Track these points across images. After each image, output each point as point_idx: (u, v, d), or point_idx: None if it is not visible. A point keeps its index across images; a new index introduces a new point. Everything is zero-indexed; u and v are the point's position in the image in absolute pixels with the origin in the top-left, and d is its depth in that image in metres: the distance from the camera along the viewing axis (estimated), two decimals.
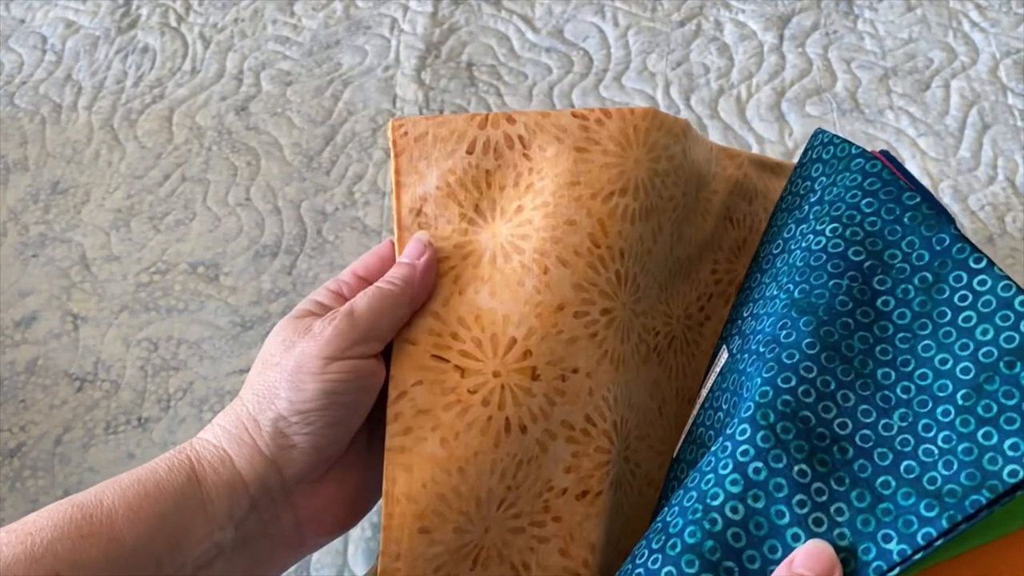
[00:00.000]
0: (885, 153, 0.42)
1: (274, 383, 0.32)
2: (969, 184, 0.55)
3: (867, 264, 0.34)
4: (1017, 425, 0.29)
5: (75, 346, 0.51)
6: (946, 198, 0.55)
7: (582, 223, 0.34)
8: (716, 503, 0.29)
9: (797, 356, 0.32)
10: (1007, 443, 0.29)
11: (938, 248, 0.34)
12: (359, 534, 0.44)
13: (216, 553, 0.31)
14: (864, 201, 0.35)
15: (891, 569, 0.28)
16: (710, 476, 0.30)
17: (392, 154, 0.37)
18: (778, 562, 0.29)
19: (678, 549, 0.29)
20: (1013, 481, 0.28)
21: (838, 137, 0.38)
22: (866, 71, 0.62)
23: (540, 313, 0.33)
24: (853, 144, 0.37)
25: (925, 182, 0.56)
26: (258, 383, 0.33)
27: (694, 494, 0.30)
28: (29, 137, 0.61)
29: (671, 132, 0.37)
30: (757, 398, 0.31)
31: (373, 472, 0.34)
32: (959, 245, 0.34)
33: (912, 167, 0.56)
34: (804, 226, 0.37)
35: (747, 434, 0.30)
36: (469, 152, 0.36)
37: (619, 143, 0.36)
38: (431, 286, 0.35)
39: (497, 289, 0.34)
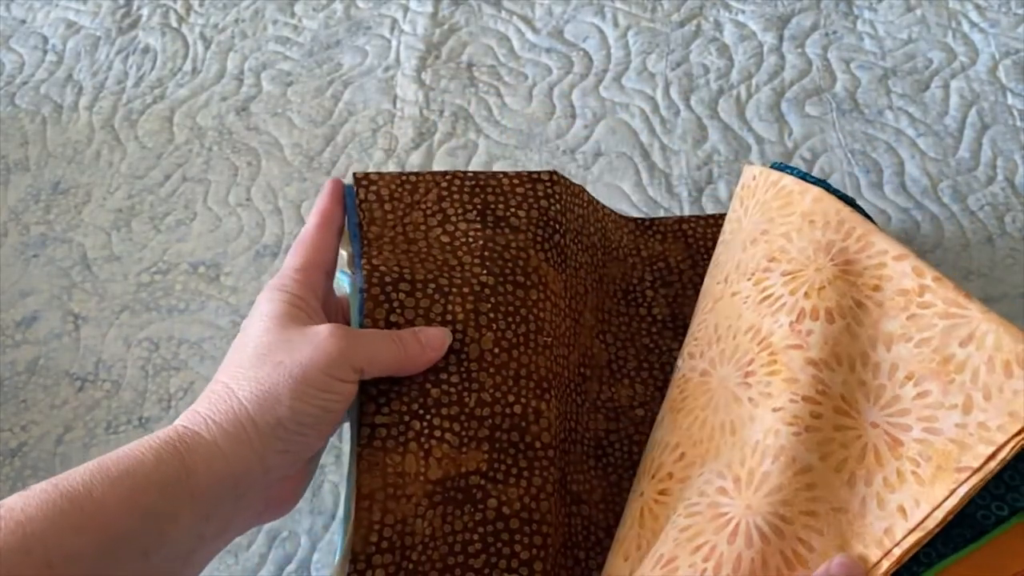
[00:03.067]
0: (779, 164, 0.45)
1: (277, 387, 0.33)
2: (968, 184, 0.56)
3: None
4: None
5: (76, 346, 0.51)
6: (946, 198, 0.55)
7: None
8: None
9: None
10: None
11: None
12: None
13: (198, 543, 0.31)
14: None
15: None
16: None
17: None
18: None
19: None
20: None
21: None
22: (866, 71, 0.62)
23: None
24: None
25: (924, 182, 0.56)
26: (256, 379, 0.33)
27: None
28: (30, 137, 0.62)
29: None
30: None
31: (317, 461, 0.38)
32: None
33: (912, 167, 0.57)
34: None
35: None
36: None
37: None
38: (421, 368, 0.37)
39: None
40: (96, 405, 0.49)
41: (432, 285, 0.39)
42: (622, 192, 0.56)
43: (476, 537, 0.36)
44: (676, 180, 0.57)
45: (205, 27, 0.68)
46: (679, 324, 0.46)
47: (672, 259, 0.48)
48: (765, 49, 0.64)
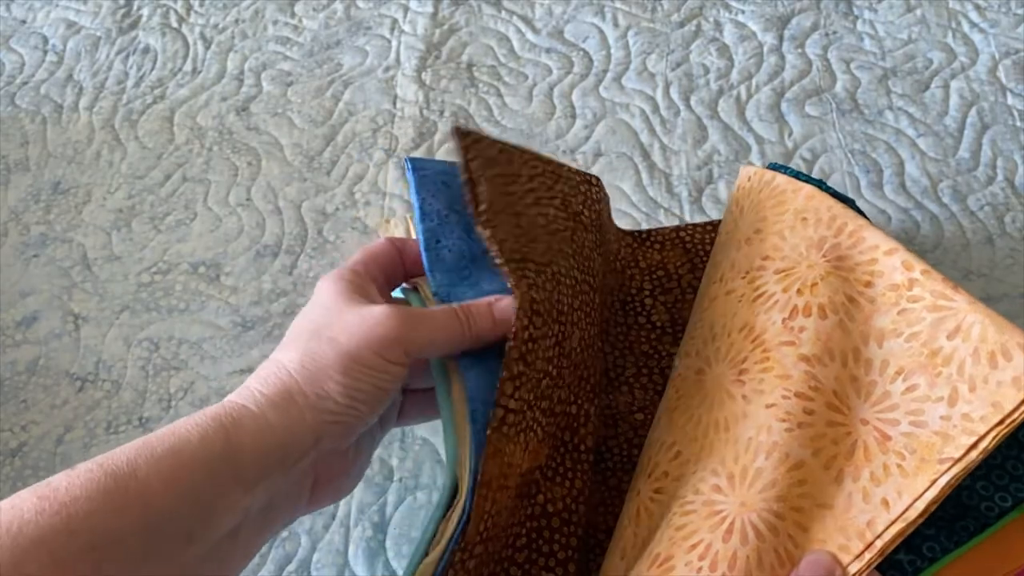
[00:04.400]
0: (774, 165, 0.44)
1: (327, 362, 0.32)
2: (968, 184, 0.56)
3: None
4: None
5: (76, 346, 0.51)
6: (946, 198, 0.55)
7: None
8: None
9: None
10: None
11: None
12: (360, 534, 0.44)
13: (242, 519, 0.31)
14: None
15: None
16: None
17: None
18: None
19: None
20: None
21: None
22: (866, 71, 0.62)
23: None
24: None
25: (924, 182, 0.56)
26: (308, 351, 0.33)
27: None
28: (30, 137, 0.62)
29: None
30: None
31: (373, 443, 0.37)
32: None
33: (912, 167, 0.57)
34: None
35: None
36: None
37: None
38: (481, 343, 0.35)
39: None
40: (96, 405, 0.49)
41: (549, 270, 0.37)
42: (622, 192, 0.56)
43: (524, 531, 0.36)
44: (676, 180, 0.57)
45: (205, 27, 0.68)
46: (678, 329, 0.46)
47: (671, 266, 0.48)
48: (765, 49, 0.64)
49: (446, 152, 0.59)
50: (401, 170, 0.58)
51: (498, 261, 0.35)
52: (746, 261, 0.41)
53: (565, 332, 0.37)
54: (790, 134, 0.59)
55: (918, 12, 0.66)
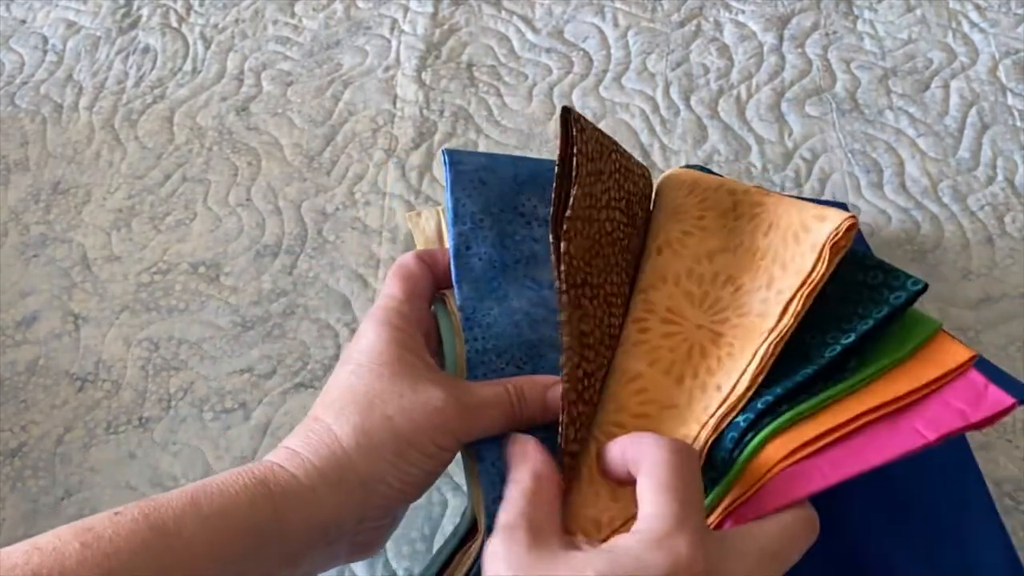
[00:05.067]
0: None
1: (383, 443, 0.32)
2: (968, 184, 0.56)
3: None
4: None
5: (76, 346, 0.51)
6: (946, 198, 0.55)
7: None
8: None
9: None
10: None
11: None
12: None
13: None
14: None
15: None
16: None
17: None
18: None
19: None
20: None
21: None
22: (866, 71, 0.62)
23: None
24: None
25: (924, 182, 0.56)
26: (362, 428, 0.32)
27: None
28: (30, 137, 0.62)
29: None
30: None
31: (407, 508, 0.36)
32: None
33: (912, 167, 0.57)
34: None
35: None
36: None
37: None
38: (529, 425, 0.35)
39: None
40: (96, 405, 0.49)
41: (602, 291, 0.37)
42: None
43: None
44: None
45: (205, 27, 0.68)
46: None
47: None
48: (765, 49, 0.64)
49: None
50: (402, 169, 0.58)
51: (559, 287, 0.34)
52: (653, 236, 0.43)
53: (605, 361, 0.37)
54: (790, 134, 0.59)
55: (918, 12, 0.66)
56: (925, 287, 0.34)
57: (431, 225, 0.44)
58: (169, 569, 0.27)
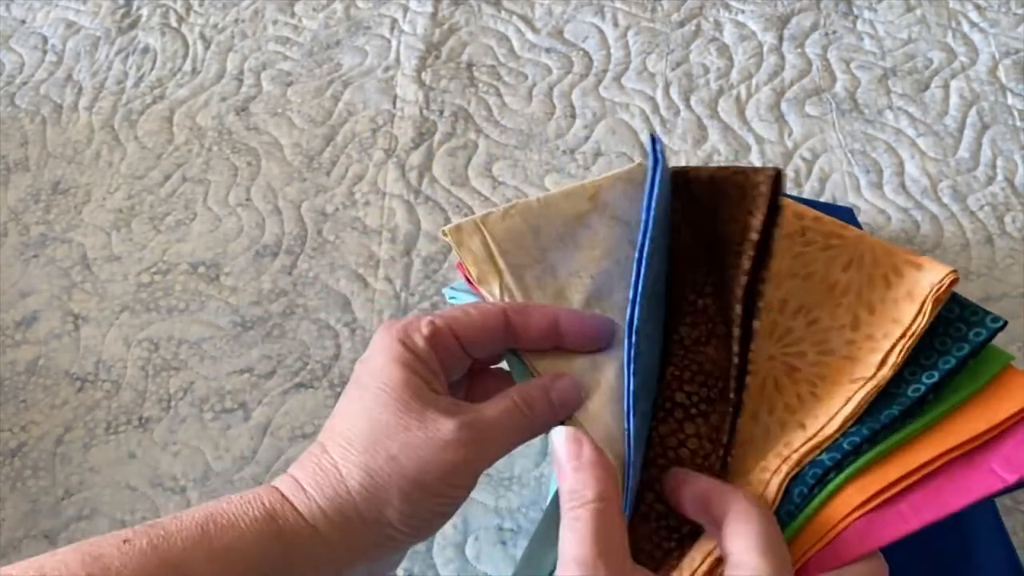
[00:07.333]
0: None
1: (388, 486, 0.30)
2: (968, 184, 0.56)
3: None
4: None
5: (76, 346, 0.51)
6: (945, 198, 0.55)
7: None
8: None
9: None
10: None
11: None
12: None
13: None
14: None
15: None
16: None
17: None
18: None
19: None
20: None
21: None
22: (865, 71, 0.62)
23: None
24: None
25: (924, 182, 0.56)
26: (367, 468, 0.30)
27: None
28: (30, 137, 0.62)
29: None
30: None
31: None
32: None
33: (911, 167, 0.57)
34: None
35: None
36: None
37: None
38: (543, 431, 0.33)
39: None
40: (96, 405, 0.49)
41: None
42: None
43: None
44: None
45: (205, 27, 0.68)
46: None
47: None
48: (765, 49, 0.64)
49: (446, 152, 0.59)
50: (402, 169, 0.58)
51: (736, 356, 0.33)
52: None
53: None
54: (790, 134, 0.59)
55: (918, 12, 0.66)
56: (1004, 324, 0.34)
57: (475, 242, 0.38)
58: None
